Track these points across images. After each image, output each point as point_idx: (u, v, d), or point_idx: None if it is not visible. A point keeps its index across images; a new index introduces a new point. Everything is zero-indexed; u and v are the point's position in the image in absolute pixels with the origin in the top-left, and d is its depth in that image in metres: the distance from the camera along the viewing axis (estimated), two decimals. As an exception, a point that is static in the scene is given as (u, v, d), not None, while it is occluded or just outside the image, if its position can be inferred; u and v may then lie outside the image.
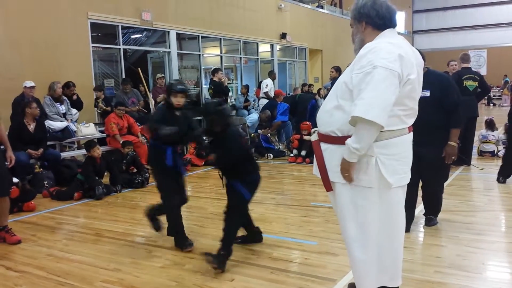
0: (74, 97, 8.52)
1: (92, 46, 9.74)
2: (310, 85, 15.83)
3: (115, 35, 10.43)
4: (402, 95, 2.38)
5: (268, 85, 12.83)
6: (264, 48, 16.48)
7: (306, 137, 8.83)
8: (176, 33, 12.05)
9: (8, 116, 7.45)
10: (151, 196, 6.37)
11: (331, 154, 2.53)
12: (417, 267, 3.53)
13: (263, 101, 12.17)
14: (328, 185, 2.60)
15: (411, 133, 2.56)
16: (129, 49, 11.97)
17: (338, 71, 9.24)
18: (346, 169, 2.42)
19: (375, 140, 2.37)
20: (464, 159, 7.45)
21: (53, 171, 7.19)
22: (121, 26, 10.42)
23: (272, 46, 16.54)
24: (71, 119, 8.19)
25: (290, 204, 5.71)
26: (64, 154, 7.85)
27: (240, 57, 15.13)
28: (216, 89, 10.39)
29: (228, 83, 12.24)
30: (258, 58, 16.02)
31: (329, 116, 2.52)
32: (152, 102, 9.50)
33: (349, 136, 2.40)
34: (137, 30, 11.65)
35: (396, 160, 2.45)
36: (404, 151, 2.51)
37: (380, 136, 2.38)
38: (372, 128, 2.28)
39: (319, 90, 15.34)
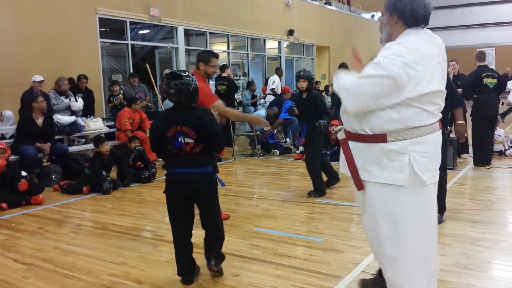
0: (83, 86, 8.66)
1: (100, 41, 9.77)
2: (317, 82, 15.77)
3: (123, 30, 10.47)
4: (429, 94, 2.37)
5: (275, 82, 12.78)
6: (271, 45, 16.45)
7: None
8: (184, 29, 12.07)
9: (17, 110, 7.53)
10: (158, 191, 6.41)
11: (362, 153, 2.49)
12: (422, 265, 3.52)
13: (270, 98, 12.15)
14: (359, 184, 2.55)
15: (440, 130, 2.54)
16: (137, 44, 12.01)
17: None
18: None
19: (409, 137, 2.38)
20: (485, 159, 7.42)
21: (60, 165, 7.23)
22: (129, 21, 10.45)
23: (279, 42, 16.52)
24: (73, 110, 8.24)
25: (296, 200, 5.72)
26: (72, 149, 7.90)
27: (247, 54, 15.12)
28: (230, 84, 10.28)
29: (235, 79, 12.19)
30: (265, 55, 16.01)
31: (357, 114, 2.47)
32: (159, 98, 9.52)
33: (382, 134, 2.39)
34: (145, 25, 11.67)
35: (428, 157, 2.43)
36: (435, 148, 2.49)
37: (413, 133, 2.38)
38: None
39: (326, 87, 15.30)
